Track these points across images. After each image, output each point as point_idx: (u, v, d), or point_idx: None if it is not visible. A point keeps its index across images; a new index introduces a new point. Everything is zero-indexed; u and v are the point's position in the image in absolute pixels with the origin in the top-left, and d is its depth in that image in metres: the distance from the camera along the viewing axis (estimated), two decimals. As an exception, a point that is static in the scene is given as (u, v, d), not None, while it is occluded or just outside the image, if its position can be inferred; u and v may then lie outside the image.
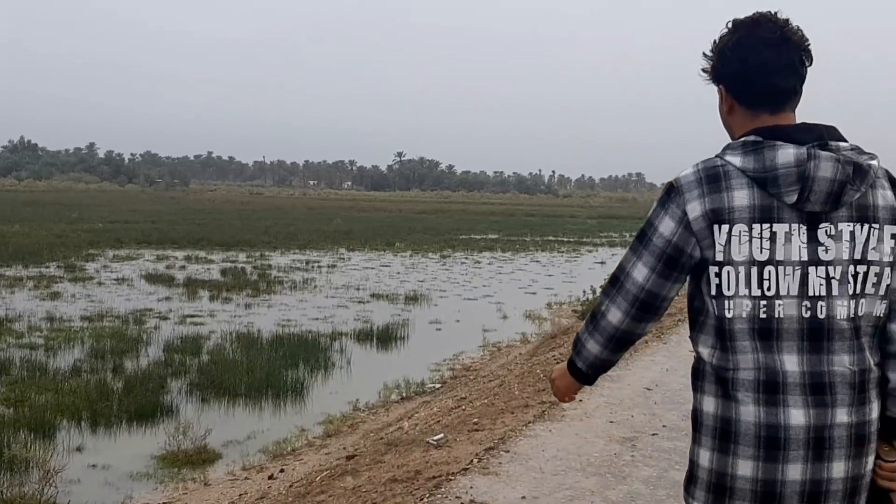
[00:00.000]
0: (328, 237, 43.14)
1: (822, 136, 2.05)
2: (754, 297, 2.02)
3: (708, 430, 2.10)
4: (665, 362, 9.27)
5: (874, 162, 2.07)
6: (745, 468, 2.03)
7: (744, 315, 2.04)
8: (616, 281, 2.19)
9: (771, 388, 2.01)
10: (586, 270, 30.43)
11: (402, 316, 19.31)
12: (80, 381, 12.09)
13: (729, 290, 2.05)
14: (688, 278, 2.16)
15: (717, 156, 2.10)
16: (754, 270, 2.02)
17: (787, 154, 2.01)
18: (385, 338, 16.64)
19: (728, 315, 2.05)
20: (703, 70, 2.22)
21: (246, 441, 9.97)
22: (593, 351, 2.27)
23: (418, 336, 17.25)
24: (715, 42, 2.17)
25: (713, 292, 2.07)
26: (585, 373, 2.36)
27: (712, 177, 2.06)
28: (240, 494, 7.81)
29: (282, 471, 8.62)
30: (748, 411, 2.03)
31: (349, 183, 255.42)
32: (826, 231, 2.03)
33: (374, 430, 9.92)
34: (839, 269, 2.03)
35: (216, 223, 51.17)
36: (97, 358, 13.83)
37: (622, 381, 8.18)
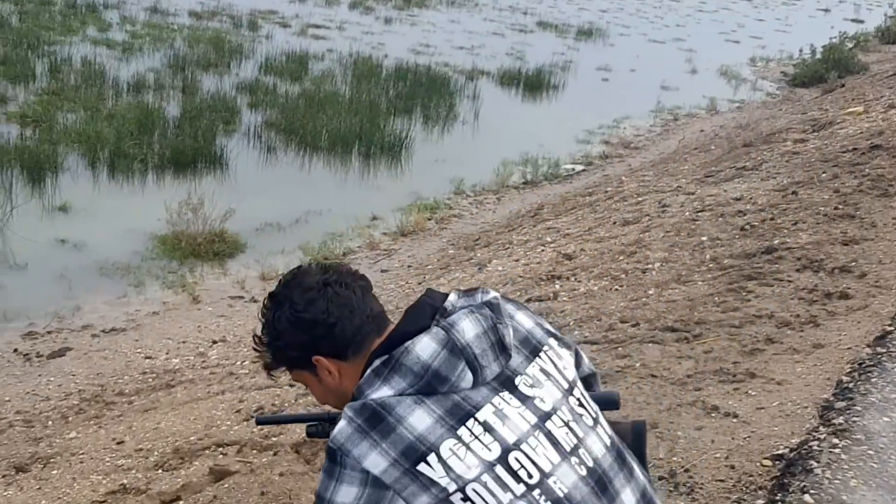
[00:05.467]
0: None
1: (434, 308, 1.63)
2: (522, 496, 1.52)
3: None
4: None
5: (494, 293, 1.67)
6: None
7: None
8: None
9: None
10: (805, 18, 25.24)
11: (565, 56, 15.70)
12: (128, 102, 9.59)
13: None
14: None
15: (359, 401, 1.52)
16: (500, 469, 1.52)
17: (425, 345, 1.54)
18: (535, 84, 13.23)
19: None
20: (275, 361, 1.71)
21: (291, 227, 7.25)
22: None
23: (577, 86, 13.75)
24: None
25: None
26: None
27: (372, 419, 1.51)
28: (213, 342, 5.13)
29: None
30: None
31: None
32: (524, 382, 1.61)
33: (462, 237, 7.00)
34: (565, 409, 1.63)
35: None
36: (175, 70, 11.28)
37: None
